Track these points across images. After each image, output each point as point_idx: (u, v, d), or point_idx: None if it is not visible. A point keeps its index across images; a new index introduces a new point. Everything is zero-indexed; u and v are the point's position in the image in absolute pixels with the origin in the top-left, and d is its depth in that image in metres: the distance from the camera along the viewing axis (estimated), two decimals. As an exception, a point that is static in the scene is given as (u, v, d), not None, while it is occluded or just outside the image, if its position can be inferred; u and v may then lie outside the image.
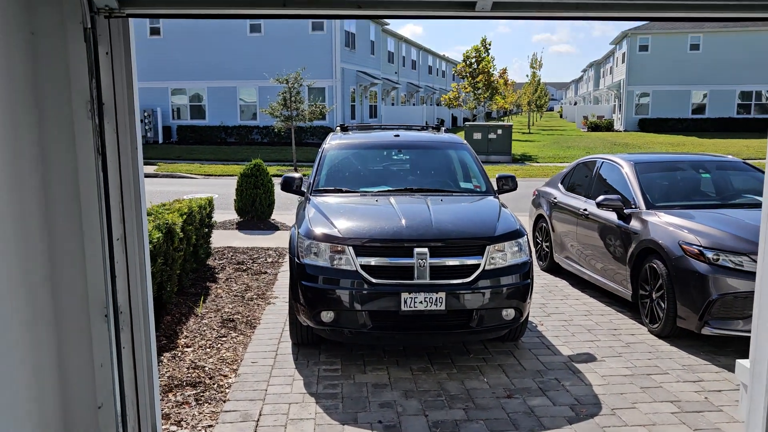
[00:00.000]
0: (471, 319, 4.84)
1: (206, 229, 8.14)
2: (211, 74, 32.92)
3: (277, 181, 18.06)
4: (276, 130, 22.80)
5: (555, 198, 8.31)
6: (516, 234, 5.08)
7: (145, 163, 24.90)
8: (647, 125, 45.28)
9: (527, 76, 54.25)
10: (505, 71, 49.04)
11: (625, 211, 6.48)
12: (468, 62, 35.85)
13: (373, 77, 36.35)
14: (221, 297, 7.07)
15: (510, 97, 55.14)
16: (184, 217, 6.79)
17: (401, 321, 4.80)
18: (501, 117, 72.73)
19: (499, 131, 25.33)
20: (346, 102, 33.11)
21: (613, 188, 7.08)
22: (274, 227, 11.86)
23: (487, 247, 4.90)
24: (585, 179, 7.84)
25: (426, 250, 4.79)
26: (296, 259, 5.08)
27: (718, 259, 5.22)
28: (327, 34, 31.58)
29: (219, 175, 21.54)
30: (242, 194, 12.16)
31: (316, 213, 5.35)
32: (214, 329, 5.95)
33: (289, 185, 6.22)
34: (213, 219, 8.60)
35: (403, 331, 4.82)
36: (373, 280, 4.77)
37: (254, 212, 12.14)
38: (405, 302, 4.71)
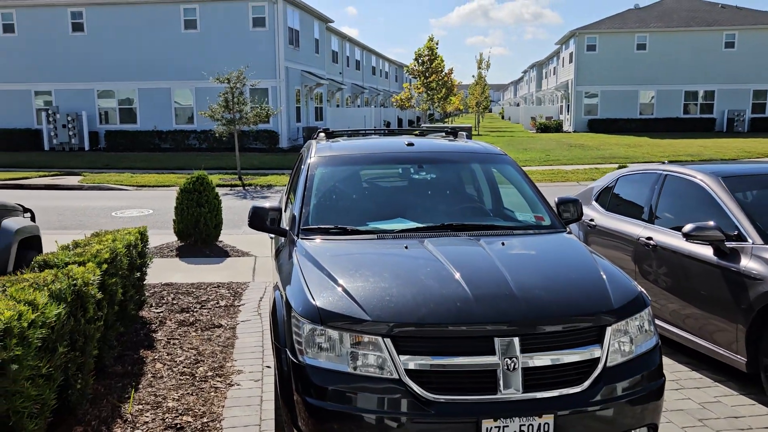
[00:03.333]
0: (586, 451, 2.95)
1: (138, 273, 5.98)
2: (142, 75, 30.10)
3: (223, 192, 15.80)
4: (217, 134, 20.46)
5: (591, 219, 6.55)
6: (639, 303, 3.22)
7: (69, 174, 22.07)
8: (596, 125, 44.77)
9: (473, 76, 53.18)
10: (452, 72, 47.75)
11: (726, 244, 4.73)
12: (420, 61, 34.16)
13: (319, 77, 34.22)
14: (161, 377, 4.95)
15: (457, 98, 53.94)
16: (105, 266, 4.65)
17: (480, 463, 2.86)
18: (444, 119, 71.59)
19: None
20: (291, 104, 30.89)
21: (692, 212, 5.34)
22: (223, 252, 9.74)
23: (608, 329, 3.01)
24: (638, 197, 6.09)
25: (515, 339, 2.86)
26: (290, 355, 3.06)
27: None
28: (269, 31, 29.28)
29: (153, 186, 19.05)
30: (183, 214, 9.98)
31: (315, 270, 3.34)
32: (152, 448, 3.85)
33: (260, 220, 4.18)
34: (148, 256, 6.43)
35: (483, 479, 2.87)
36: (431, 397, 2.81)
37: (198, 235, 9.98)
38: (487, 434, 2.78)
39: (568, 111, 48.53)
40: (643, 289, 3.35)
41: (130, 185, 19.25)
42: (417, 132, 6.02)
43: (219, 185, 18.59)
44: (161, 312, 6.73)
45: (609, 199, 6.54)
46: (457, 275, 3.16)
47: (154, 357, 5.38)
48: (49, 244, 7.01)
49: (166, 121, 30.43)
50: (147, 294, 7.21)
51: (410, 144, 4.78)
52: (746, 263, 4.53)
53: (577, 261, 3.57)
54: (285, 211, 4.90)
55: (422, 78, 33.79)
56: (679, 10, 46.90)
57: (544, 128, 46.88)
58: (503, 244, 3.68)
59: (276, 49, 29.32)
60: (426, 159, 4.65)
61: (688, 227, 4.81)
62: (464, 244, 3.68)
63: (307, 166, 4.51)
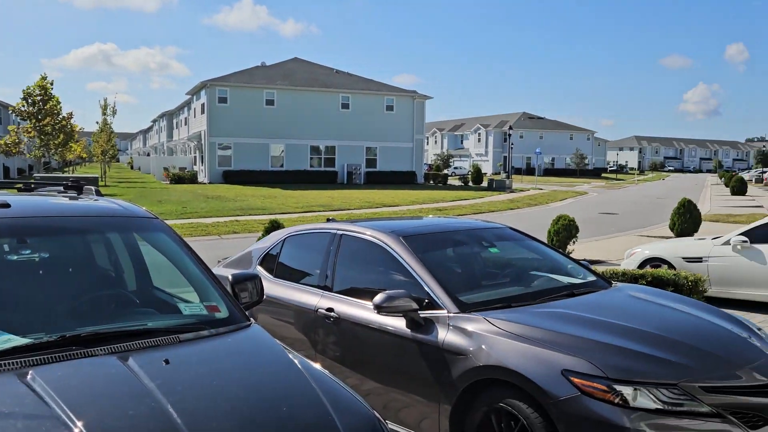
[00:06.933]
0: None
1: None
2: None
3: None
4: None
5: (257, 288, 5.52)
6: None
7: None
8: (232, 177, 44.94)
9: (97, 123, 48.70)
10: (71, 116, 42.87)
11: (420, 314, 4.16)
12: (31, 101, 29.50)
13: None
14: None
15: (79, 145, 48.77)
16: None
17: None
18: (64, 168, 64.23)
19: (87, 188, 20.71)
20: None
21: (377, 276, 4.73)
22: None
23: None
24: (312, 260, 5.30)
25: None
26: None
27: (636, 397, 3.28)
28: None
29: None
30: None
31: None
32: None
33: None
34: None
35: None
36: None
37: None
38: None
39: (202, 162, 47.83)
40: (377, 413, 2.40)
41: None
42: (21, 185, 4.24)
43: None
44: None
45: (276, 264, 5.61)
46: None
47: None
48: None
49: None
50: None
51: (5, 205, 3.08)
52: (444, 336, 3.99)
53: (282, 379, 2.44)
54: None
55: (34, 120, 29.16)
56: (300, 71, 50.57)
57: (178, 179, 45.21)
58: (167, 362, 2.35)
59: None
60: (32, 229, 3.01)
61: (379, 298, 4.11)
62: (103, 372, 2.25)
63: None
